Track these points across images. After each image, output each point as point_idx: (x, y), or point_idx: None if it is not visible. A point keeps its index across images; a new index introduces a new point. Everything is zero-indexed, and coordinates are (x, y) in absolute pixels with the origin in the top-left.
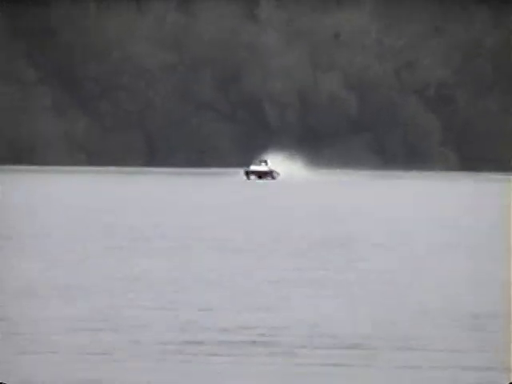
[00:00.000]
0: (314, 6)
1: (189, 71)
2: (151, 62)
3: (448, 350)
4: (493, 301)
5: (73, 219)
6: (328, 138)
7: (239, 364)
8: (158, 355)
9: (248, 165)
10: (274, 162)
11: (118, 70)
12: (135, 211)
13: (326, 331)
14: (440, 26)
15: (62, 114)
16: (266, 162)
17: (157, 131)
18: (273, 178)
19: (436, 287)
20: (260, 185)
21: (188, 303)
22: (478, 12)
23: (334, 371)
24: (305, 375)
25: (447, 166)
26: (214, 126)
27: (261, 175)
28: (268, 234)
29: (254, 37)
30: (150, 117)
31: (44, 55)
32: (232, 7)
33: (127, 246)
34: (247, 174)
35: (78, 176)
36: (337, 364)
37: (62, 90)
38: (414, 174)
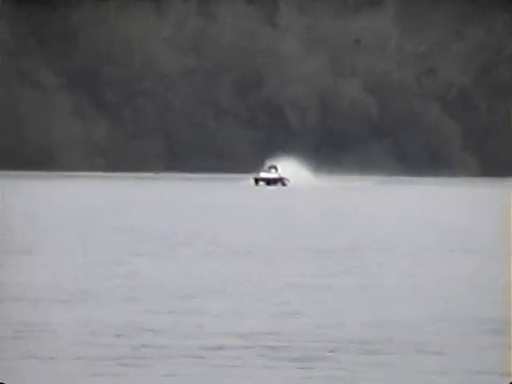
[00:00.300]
0: (335, 12)
1: (208, 76)
2: (171, 66)
3: (448, 353)
4: None
5: (83, 223)
6: (348, 145)
7: (257, 369)
8: (171, 361)
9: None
10: (289, 168)
11: (137, 75)
12: (143, 215)
13: (336, 336)
14: (461, 32)
15: (82, 118)
16: (275, 168)
17: (176, 136)
18: (283, 184)
19: (441, 292)
20: (272, 190)
21: (199, 308)
22: (498, 18)
23: (346, 375)
24: (319, 379)
25: (468, 172)
26: (233, 132)
27: (270, 182)
28: (277, 237)
29: (274, 42)
30: (170, 122)
31: (64, 59)
32: (252, 13)
33: (134, 249)
34: (256, 181)
35: (96, 181)
36: (345, 368)
37: (82, 94)
38: (434, 180)
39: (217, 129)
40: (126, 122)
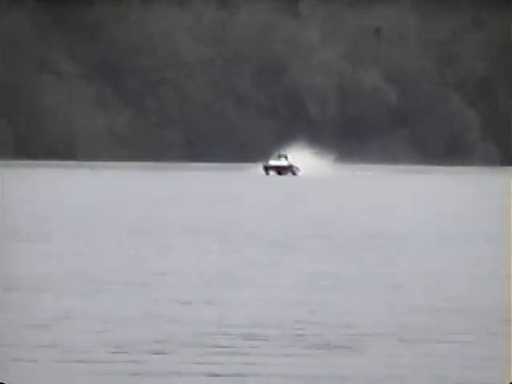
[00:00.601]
0: (355, 1)
1: (229, 66)
2: (192, 56)
3: (447, 346)
4: None
5: (96, 212)
6: (368, 134)
7: (280, 358)
8: (192, 350)
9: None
10: (306, 157)
11: (158, 65)
12: (155, 205)
13: (353, 324)
14: (481, 20)
15: (104, 108)
16: (285, 156)
17: (197, 126)
18: (293, 173)
19: (442, 281)
20: (283, 179)
21: (217, 298)
22: None
23: (363, 363)
24: (340, 366)
25: (487, 160)
26: (253, 121)
27: (280, 170)
28: (290, 226)
29: (294, 32)
30: (190, 112)
31: (86, 49)
32: (273, 2)
33: (147, 238)
34: (266, 169)
35: (115, 171)
36: (364, 356)
37: (103, 84)
38: (452, 169)
39: (237, 118)
40: (148, 112)
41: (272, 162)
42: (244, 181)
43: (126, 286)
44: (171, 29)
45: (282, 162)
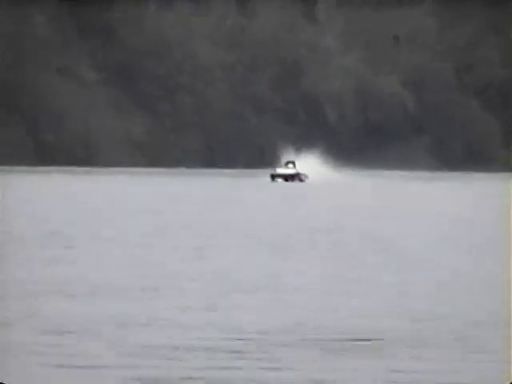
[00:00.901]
0: (373, 6)
1: (246, 71)
2: (209, 61)
3: (448, 347)
4: None
5: (112, 217)
6: (386, 140)
7: (296, 362)
8: (207, 355)
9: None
10: (317, 163)
11: (176, 71)
12: (170, 210)
13: (363, 328)
14: (500, 26)
15: (121, 114)
16: (293, 163)
17: (215, 132)
18: (301, 180)
19: (441, 288)
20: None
21: (228, 303)
22: None
23: (376, 365)
24: (354, 370)
25: (508, 167)
26: (271, 126)
27: (287, 178)
28: (300, 232)
29: (312, 37)
30: (208, 117)
31: (104, 55)
32: (290, 7)
33: (162, 244)
34: (273, 177)
35: (129, 176)
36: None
37: (121, 89)
38: (471, 175)
39: (255, 124)
40: (165, 118)
41: (279, 170)
42: (252, 187)
43: (128, 289)
44: (190, 34)
45: (289, 170)
